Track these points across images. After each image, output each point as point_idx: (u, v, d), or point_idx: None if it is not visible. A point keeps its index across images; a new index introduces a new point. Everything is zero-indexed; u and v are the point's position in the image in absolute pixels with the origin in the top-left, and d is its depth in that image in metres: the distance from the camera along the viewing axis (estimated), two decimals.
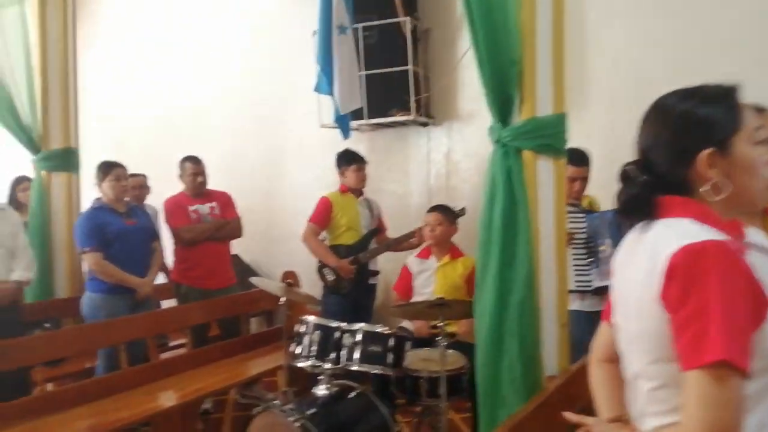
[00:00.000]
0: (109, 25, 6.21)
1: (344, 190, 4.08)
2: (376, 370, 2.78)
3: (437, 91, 4.62)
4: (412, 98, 4.41)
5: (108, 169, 3.63)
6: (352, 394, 2.81)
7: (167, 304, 4.33)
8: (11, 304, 3.23)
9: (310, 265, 4.35)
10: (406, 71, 4.42)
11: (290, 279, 4.38)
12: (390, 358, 2.76)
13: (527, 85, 2.28)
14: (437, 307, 2.71)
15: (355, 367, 2.79)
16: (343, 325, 2.90)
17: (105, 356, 3.55)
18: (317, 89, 3.99)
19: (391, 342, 2.78)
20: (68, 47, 4.11)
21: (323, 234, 4.05)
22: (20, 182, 4.55)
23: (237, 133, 5.57)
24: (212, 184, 4.23)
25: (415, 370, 2.83)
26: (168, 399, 3.20)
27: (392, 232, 4.27)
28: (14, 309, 3.27)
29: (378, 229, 4.22)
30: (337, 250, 3.98)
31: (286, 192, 5.36)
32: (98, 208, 3.65)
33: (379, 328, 2.83)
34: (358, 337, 2.82)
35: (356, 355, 2.79)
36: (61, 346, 3.22)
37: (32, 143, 4.03)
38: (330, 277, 3.99)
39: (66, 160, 4.10)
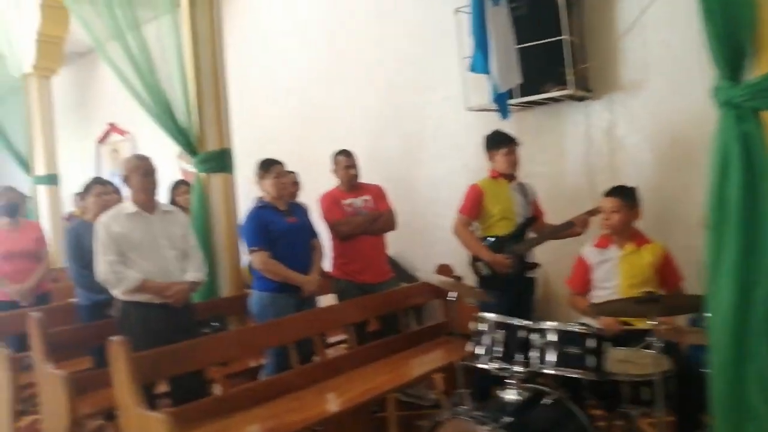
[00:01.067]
0: (249, 22, 6.32)
1: (495, 175, 3.81)
2: (574, 374, 2.50)
3: (596, 61, 4.21)
4: (569, 71, 4.03)
5: (268, 166, 3.61)
6: (547, 401, 2.56)
7: (325, 300, 4.29)
8: (186, 304, 3.27)
9: (455, 258, 4.15)
10: (560, 42, 4.05)
11: (446, 272, 4.19)
12: (590, 360, 2.47)
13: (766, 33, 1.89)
14: (648, 303, 2.37)
15: (549, 371, 2.53)
16: (529, 323, 2.65)
17: (274, 355, 3.55)
18: (473, 68, 3.73)
19: (591, 342, 2.48)
20: (216, 50, 4.15)
21: (474, 224, 3.80)
22: (178, 186, 4.70)
23: (375, 123, 5.46)
24: None
25: (617, 374, 2.53)
26: (338, 401, 3.10)
27: (550, 218, 3.95)
28: (188, 310, 3.31)
29: (534, 217, 3.90)
30: (491, 241, 3.71)
31: (427, 181, 5.17)
32: (262, 207, 3.65)
33: (575, 327, 2.55)
34: (551, 337, 2.55)
35: (550, 357, 2.53)
36: (236, 346, 3.22)
37: (191, 146, 4.10)
38: (484, 272, 3.73)
39: (222, 161, 4.15)
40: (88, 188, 3.99)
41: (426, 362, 3.64)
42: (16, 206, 4.49)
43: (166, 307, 3.15)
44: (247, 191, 4.38)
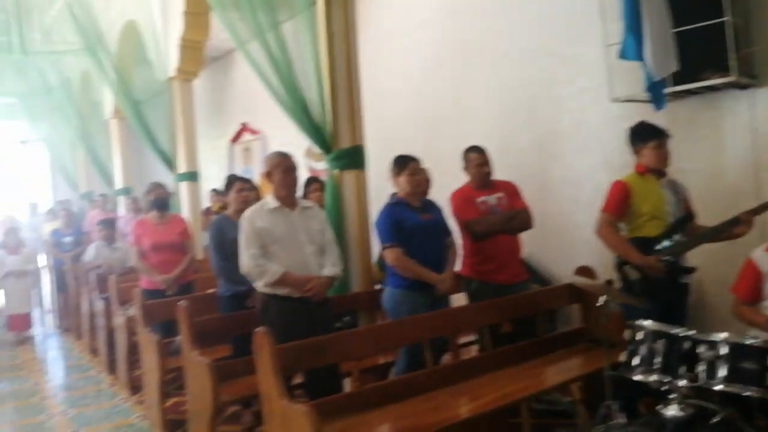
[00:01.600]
0: (377, 19, 6.36)
1: (642, 171, 3.49)
2: (750, 392, 2.22)
3: (763, 45, 3.76)
4: (732, 56, 3.63)
5: (404, 162, 3.57)
6: (716, 419, 2.29)
7: (455, 300, 4.18)
8: (324, 299, 3.30)
9: (595, 260, 3.87)
10: (722, 24, 3.65)
11: (586, 275, 3.92)
12: None
13: None
14: None
15: (720, 387, 2.26)
16: (696, 334, 2.39)
17: (406, 353, 3.50)
18: (623, 55, 3.45)
19: None
20: (351, 48, 4.16)
21: (620, 225, 3.51)
22: (310, 183, 4.79)
23: (504, 118, 5.27)
24: None
25: None
26: (472, 405, 2.97)
27: (702, 219, 3.58)
28: (324, 304, 3.34)
29: (687, 217, 3.54)
30: (640, 243, 3.41)
31: (563, 179, 4.90)
32: (395, 204, 3.61)
33: (753, 341, 2.26)
34: (723, 350, 2.27)
35: (721, 372, 2.26)
36: (372, 342, 3.20)
37: (325, 143, 4.15)
38: (633, 276, 3.43)
39: (355, 157, 4.16)
40: (229, 185, 4.16)
41: (564, 370, 3.43)
42: (164, 201, 4.79)
43: (304, 300, 3.19)
44: (376, 187, 4.39)
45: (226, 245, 3.98)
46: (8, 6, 6.70)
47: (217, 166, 10.34)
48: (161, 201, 4.76)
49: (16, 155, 15.14)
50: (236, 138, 10.19)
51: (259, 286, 3.22)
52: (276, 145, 9.28)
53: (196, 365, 3.33)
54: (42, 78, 9.39)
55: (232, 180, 4.17)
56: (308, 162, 8.52)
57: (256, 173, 10.10)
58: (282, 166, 3.28)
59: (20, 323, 7.08)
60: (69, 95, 9.68)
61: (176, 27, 6.59)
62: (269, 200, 3.30)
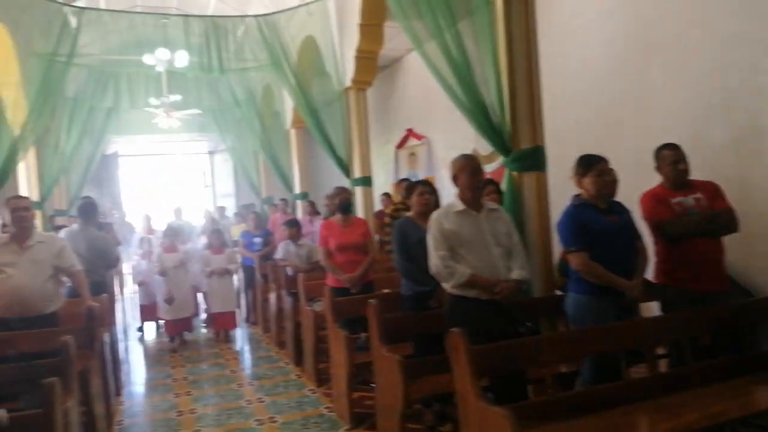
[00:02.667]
0: (554, 12, 6.20)
1: None
2: None
3: None
4: None
5: (591, 163, 3.44)
6: None
7: (646, 308, 3.95)
8: (511, 304, 3.28)
9: None
10: None
11: None
12: None
13: None
14: None
15: None
16: None
17: (593, 363, 3.37)
18: None
19: None
20: (531, 46, 4.10)
21: None
22: (485, 186, 4.76)
23: (695, 113, 4.86)
24: None
25: None
26: (672, 423, 2.77)
27: None
28: (512, 309, 3.32)
29: None
30: None
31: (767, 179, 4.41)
32: (580, 205, 3.49)
33: None
34: None
35: None
36: (560, 349, 3.11)
37: (504, 145, 4.14)
38: None
39: (535, 159, 4.10)
40: (411, 188, 4.30)
41: None
42: (349, 204, 5.07)
43: (492, 303, 3.20)
44: (552, 189, 4.27)
45: (409, 247, 4.12)
46: (207, 30, 7.52)
47: (384, 171, 10.74)
48: (346, 204, 5.04)
49: (204, 164, 17.00)
50: (401, 144, 10.50)
51: (448, 287, 3.28)
52: (441, 149, 9.43)
53: (387, 361, 3.48)
54: (231, 93, 10.40)
55: (413, 184, 4.31)
56: None
57: (421, 178, 10.37)
58: (468, 169, 3.32)
59: (225, 321, 7.39)
60: (254, 108, 10.63)
61: (352, 39, 6.97)
62: (456, 203, 3.35)
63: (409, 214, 4.30)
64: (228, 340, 7.35)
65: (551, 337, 3.33)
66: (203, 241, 8.25)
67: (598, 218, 3.44)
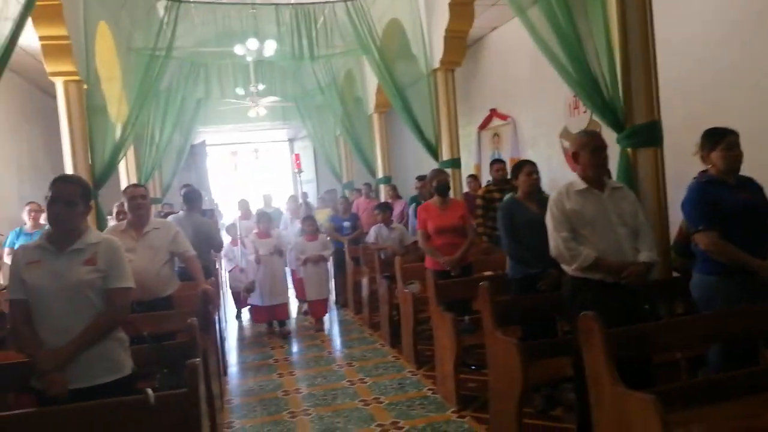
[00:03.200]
0: None
1: None
2: None
3: None
4: None
5: (719, 136, 3.22)
6: None
7: None
8: (637, 287, 3.13)
9: None
10: None
11: None
12: None
13: None
14: None
15: None
16: None
17: (722, 347, 3.18)
18: None
19: None
20: (647, 15, 3.87)
21: None
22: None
23: None
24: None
25: None
26: None
27: None
28: (638, 292, 3.17)
29: None
30: None
31: None
32: (707, 182, 3.28)
33: None
34: None
35: None
36: (694, 333, 2.95)
37: (617, 121, 3.95)
38: None
39: (650, 134, 3.89)
40: (518, 168, 4.19)
41: None
42: (447, 186, 5.02)
43: (618, 286, 3.06)
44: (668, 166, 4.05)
45: (517, 228, 4.04)
46: (296, 17, 7.59)
47: (467, 152, 10.58)
48: (444, 186, 4.99)
49: (285, 152, 17.35)
50: (484, 125, 10.31)
51: (569, 269, 3.17)
52: (527, 129, 9.20)
53: (502, 344, 3.42)
54: (315, 79, 10.51)
55: (522, 163, 4.20)
56: (563, 143, 8.29)
57: (505, 158, 10.17)
58: (590, 146, 3.17)
59: (319, 308, 7.24)
60: (336, 93, 10.71)
61: (441, 19, 6.86)
62: (577, 181, 3.22)
63: (517, 194, 4.20)
64: (320, 323, 7.41)
65: (686, 320, 3.14)
66: (296, 226, 8.05)
67: (729, 195, 3.22)
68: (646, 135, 3.89)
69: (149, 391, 2.38)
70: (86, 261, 2.49)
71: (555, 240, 3.17)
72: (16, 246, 6.41)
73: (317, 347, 6.41)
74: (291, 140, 17.09)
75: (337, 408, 4.50)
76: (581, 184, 3.19)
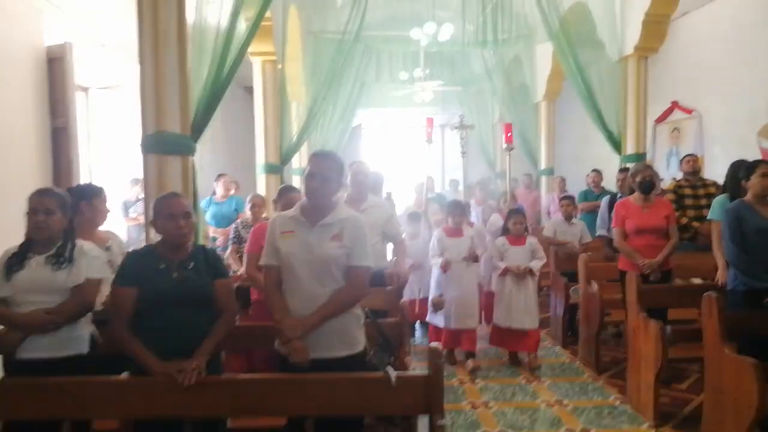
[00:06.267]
0: None
1: None
2: None
3: None
4: None
5: None
6: None
7: None
8: None
9: None
10: None
11: None
12: None
13: None
14: None
15: None
16: None
17: None
18: None
19: None
20: None
21: None
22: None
23: None
24: None
25: None
26: None
27: None
28: None
29: None
30: None
31: None
32: None
33: None
34: None
35: None
36: None
37: None
38: None
39: None
40: (751, 168, 3.77)
41: None
42: (651, 183, 4.65)
43: None
44: None
45: (745, 234, 3.64)
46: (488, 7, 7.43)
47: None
48: (648, 183, 4.62)
49: (437, 138, 17.27)
50: (663, 117, 9.54)
51: None
52: (716, 124, 8.37)
53: (732, 363, 3.10)
54: (479, 65, 10.29)
55: (755, 164, 3.77)
56: (761, 142, 7.44)
57: (683, 155, 9.35)
58: None
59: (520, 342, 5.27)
60: (504, 79, 10.42)
61: (641, 2, 6.38)
62: None
63: (747, 197, 3.78)
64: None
65: None
66: (497, 221, 6.10)
67: None
68: None
69: (390, 369, 2.39)
70: (334, 236, 2.54)
71: None
72: (207, 214, 6.94)
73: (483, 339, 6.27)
74: (442, 126, 17.01)
75: (520, 405, 4.37)
76: None
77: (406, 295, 5.50)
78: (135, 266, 2.59)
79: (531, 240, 5.20)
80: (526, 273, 5.06)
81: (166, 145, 3.37)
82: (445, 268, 5.03)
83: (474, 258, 5.08)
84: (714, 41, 8.10)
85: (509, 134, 6.26)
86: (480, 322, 5.64)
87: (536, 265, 5.08)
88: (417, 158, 16.56)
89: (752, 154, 7.47)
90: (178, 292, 2.54)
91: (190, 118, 3.50)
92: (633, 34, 6.57)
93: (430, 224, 6.24)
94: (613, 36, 6.85)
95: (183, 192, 3.28)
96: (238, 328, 3.12)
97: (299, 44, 7.98)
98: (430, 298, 5.20)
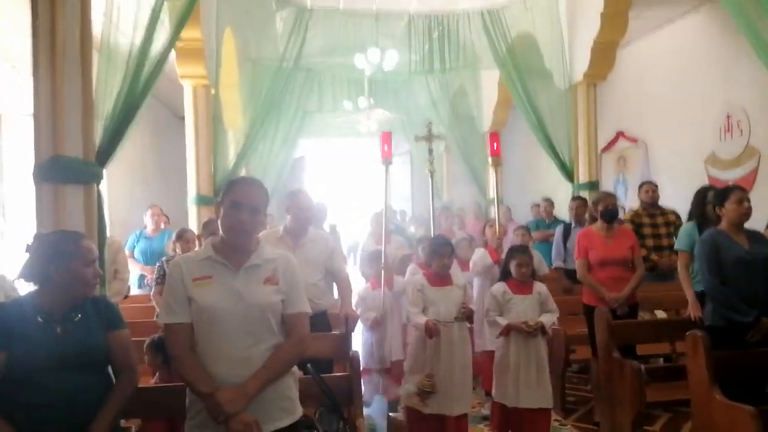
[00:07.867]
0: None
1: None
2: None
3: None
4: None
5: None
6: None
7: None
8: None
9: None
10: None
11: None
12: None
13: None
14: None
15: None
16: None
17: None
18: None
19: None
20: None
21: None
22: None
23: None
24: None
25: None
26: None
27: None
28: None
29: None
30: None
31: None
32: None
33: None
34: None
35: None
36: None
37: None
38: None
39: None
40: (723, 194, 3.52)
41: None
42: (614, 212, 4.38)
43: None
44: None
45: (724, 265, 3.37)
46: (429, 28, 7.22)
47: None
48: (612, 212, 4.34)
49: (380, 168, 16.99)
50: (608, 147, 9.53)
51: None
52: (662, 153, 8.35)
53: (722, 409, 2.77)
54: (428, 94, 10.07)
55: (728, 190, 3.53)
56: (709, 170, 7.42)
57: (631, 184, 9.32)
58: None
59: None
60: (448, 109, 10.22)
61: (588, 30, 6.26)
62: None
63: (721, 225, 3.52)
64: None
65: None
66: (487, 258, 5.11)
67: None
68: None
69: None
70: (267, 279, 2.07)
71: None
72: (136, 250, 6.29)
73: None
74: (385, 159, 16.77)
75: None
76: None
77: (364, 363, 4.36)
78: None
79: (539, 287, 3.85)
80: (536, 331, 3.68)
81: (65, 172, 2.80)
82: (431, 332, 3.42)
83: (469, 316, 3.63)
84: (657, 71, 8.14)
85: (495, 146, 4.93)
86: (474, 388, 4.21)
87: (549, 319, 3.75)
88: (369, 185, 16.25)
89: (700, 182, 7.43)
90: (63, 351, 2.01)
91: (95, 140, 2.97)
92: (582, 61, 6.46)
93: (391, 262, 5.02)
94: (562, 63, 6.73)
95: (86, 228, 2.74)
96: (157, 388, 2.58)
97: (235, 70, 7.51)
98: (407, 373, 3.67)
